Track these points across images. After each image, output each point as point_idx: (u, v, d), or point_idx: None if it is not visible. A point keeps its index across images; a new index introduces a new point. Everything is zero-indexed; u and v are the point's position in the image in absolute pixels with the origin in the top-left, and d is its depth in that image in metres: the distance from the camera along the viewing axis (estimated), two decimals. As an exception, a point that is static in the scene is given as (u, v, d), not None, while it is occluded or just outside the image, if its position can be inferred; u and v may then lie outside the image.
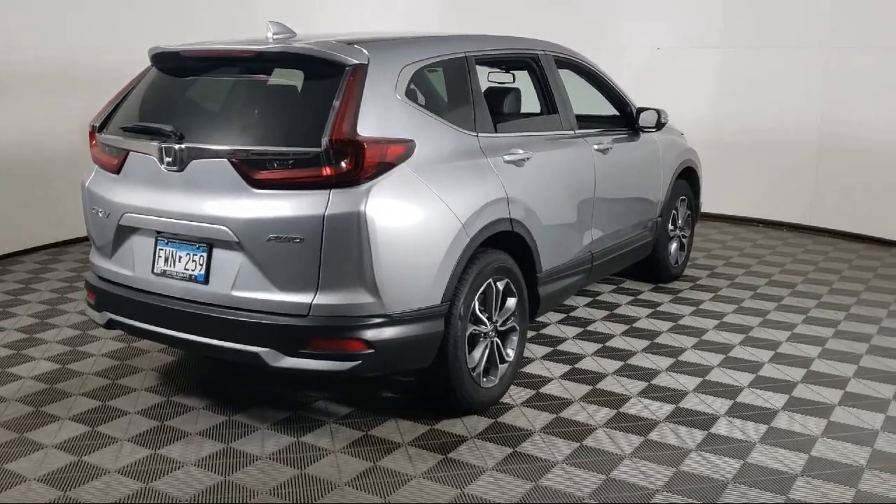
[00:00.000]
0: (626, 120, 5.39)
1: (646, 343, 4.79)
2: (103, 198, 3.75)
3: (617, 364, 4.46)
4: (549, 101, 4.61)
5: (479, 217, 3.64)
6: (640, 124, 5.30)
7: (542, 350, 4.66)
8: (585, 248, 4.69)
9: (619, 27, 8.64)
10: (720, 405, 3.95)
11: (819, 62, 7.56)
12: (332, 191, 3.20)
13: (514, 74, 5.45)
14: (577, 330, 5.00)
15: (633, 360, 4.52)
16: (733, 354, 4.62)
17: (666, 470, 3.34)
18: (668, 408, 3.92)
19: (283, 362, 3.29)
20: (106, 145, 3.79)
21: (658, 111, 5.28)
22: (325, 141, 3.17)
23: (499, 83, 5.09)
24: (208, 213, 3.37)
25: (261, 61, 3.57)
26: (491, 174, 3.81)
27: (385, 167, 3.30)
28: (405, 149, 3.39)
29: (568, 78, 5.15)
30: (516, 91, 4.53)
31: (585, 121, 5.39)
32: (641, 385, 4.18)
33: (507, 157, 3.95)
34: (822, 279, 6.22)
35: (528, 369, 4.38)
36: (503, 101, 4.39)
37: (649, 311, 5.40)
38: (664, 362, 4.49)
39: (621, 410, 3.89)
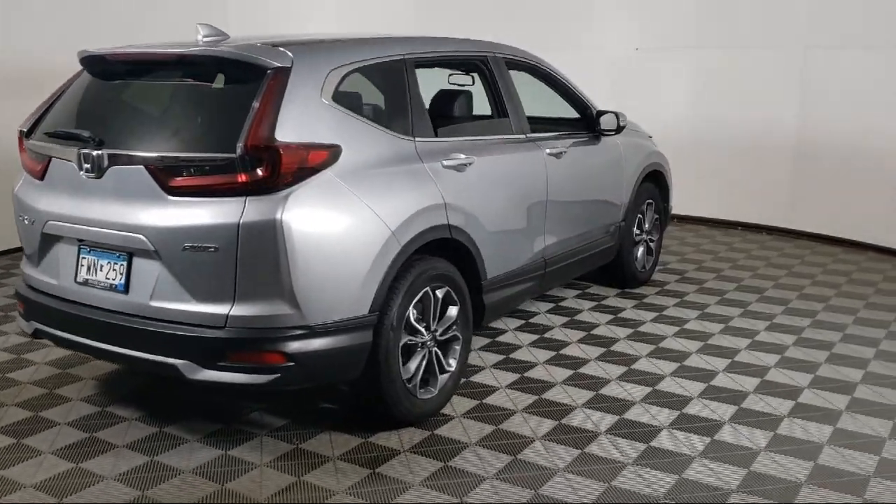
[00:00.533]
0: (586, 123, 5.28)
1: (601, 351, 4.68)
2: (29, 205, 3.67)
3: (567, 373, 4.36)
4: (499, 104, 4.51)
5: (411, 224, 3.54)
6: (601, 127, 5.19)
7: (493, 358, 4.56)
8: (537, 254, 4.59)
9: (598, 27, 8.53)
10: (665, 416, 3.85)
11: (795, 62, 7.43)
12: (248, 198, 3.10)
13: (473, 77, 5.37)
14: (533, 337, 4.89)
15: (584, 369, 4.41)
16: (688, 363, 4.51)
17: (598, 485, 3.23)
18: (610, 419, 3.82)
19: (201, 375, 3.20)
20: (32, 151, 3.71)
21: (616, 114, 5.17)
22: (240, 146, 3.08)
23: (458, 85, 5.01)
24: (126, 220, 3.28)
25: (183, 65, 3.48)
26: (427, 180, 3.71)
27: (306, 173, 3.21)
28: (329, 154, 3.29)
29: (529, 81, 5.08)
30: (466, 94, 4.44)
31: (546, 123, 5.31)
32: (588, 395, 4.08)
33: (446, 162, 3.86)
34: (794, 284, 6.10)
35: (475, 378, 4.28)
36: (450, 104, 4.30)
37: (610, 317, 5.29)
38: (616, 371, 4.39)
39: (563, 422, 3.79)
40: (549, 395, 4.09)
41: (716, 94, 8.01)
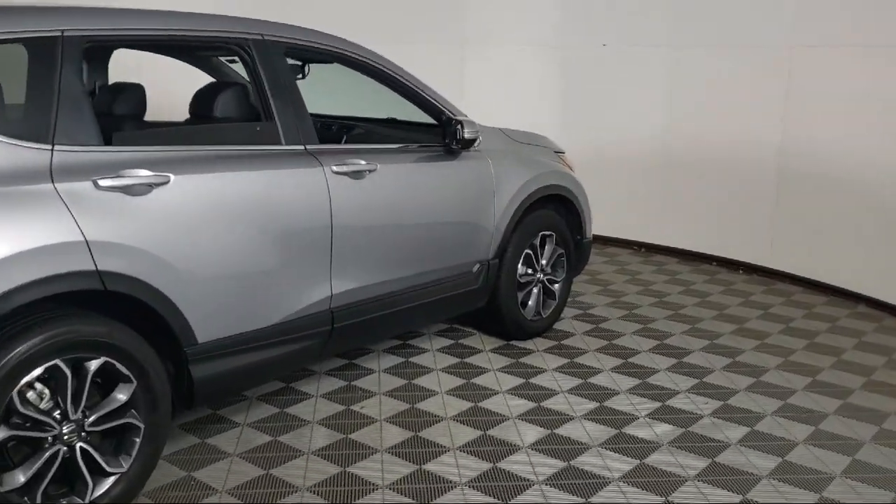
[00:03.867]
0: (444, 133, 4.10)
1: (405, 437, 3.50)
2: None
3: (320, 477, 3.21)
4: (265, 104, 3.38)
5: (4, 272, 2.46)
6: (449, 140, 4.01)
7: (199, 459, 3.44)
8: (317, 305, 3.45)
9: (547, 18, 7.26)
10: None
11: (781, 63, 6.02)
12: None
13: (308, 67, 4.28)
14: (334, 410, 3.75)
15: (365, 461, 3.25)
16: (504, 465, 3.29)
17: None
18: None
19: None
20: None
21: (462, 123, 3.97)
22: None
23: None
24: None
25: None
26: (53, 207, 2.62)
27: None
28: None
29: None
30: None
31: (389, 132, 4.20)
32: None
33: (106, 182, 2.75)
34: (729, 348, 4.75)
35: (162, 482, 3.17)
36: (118, 101, 3.27)
37: (459, 382, 4.11)
38: (395, 472, 3.21)
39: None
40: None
41: (688, 102, 6.64)
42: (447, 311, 4.42)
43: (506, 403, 3.88)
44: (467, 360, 4.44)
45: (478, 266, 4.31)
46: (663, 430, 3.65)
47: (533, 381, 4.17)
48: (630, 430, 3.64)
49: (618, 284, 6.01)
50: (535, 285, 4.75)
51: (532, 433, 3.58)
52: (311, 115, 4.93)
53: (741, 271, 6.48)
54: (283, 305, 3.31)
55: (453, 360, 4.42)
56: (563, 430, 3.62)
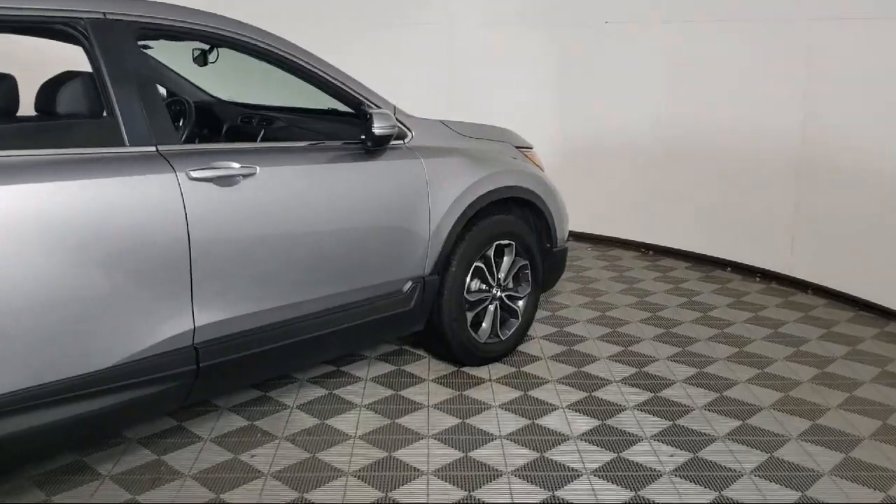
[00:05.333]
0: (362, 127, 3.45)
1: (291, 497, 2.88)
2: None
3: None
4: (106, 97, 2.77)
5: None
6: (370, 135, 3.35)
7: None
8: (172, 341, 2.84)
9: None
10: None
11: (800, 38, 5.19)
12: None
13: (217, 52, 3.69)
14: (213, 462, 3.14)
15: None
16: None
17: None
18: None
19: None
20: None
21: (372, 116, 3.31)
22: None
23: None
24: None
25: None
26: None
27: None
28: None
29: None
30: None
31: (301, 124, 3.58)
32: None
33: None
34: (719, 380, 4.00)
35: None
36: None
37: (380, 423, 3.48)
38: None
39: None
40: None
41: (698, 85, 5.84)
42: (371, 339, 3.80)
43: (427, 453, 3.22)
44: (403, 392, 3.80)
45: (410, 284, 3.65)
46: (613, 493, 2.95)
47: (471, 420, 3.51)
48: (575, 491, 2.95)
49: (610, 295, 5.27)
50: (491, 303, 4.07)
51: (451, 495, 2.92)
52: (240, 105, 4.38)
53: (758, 279, 5.68)
54: (122, 343, 2.71)
55: (385, 394, 3.78)
56: (482, 492, 2.95)
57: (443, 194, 3.70)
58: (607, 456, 3.21)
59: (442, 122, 3.89)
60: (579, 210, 6.68)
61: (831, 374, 4.04)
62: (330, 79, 3.38)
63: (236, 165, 2.96)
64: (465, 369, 4.06)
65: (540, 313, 4.83)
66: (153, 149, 2.81)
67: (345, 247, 3.34)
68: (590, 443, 3.32)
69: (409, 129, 3.64)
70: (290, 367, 3.67)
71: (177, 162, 2.81)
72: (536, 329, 4.59)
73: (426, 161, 3.63)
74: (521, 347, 4.33)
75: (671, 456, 3.22)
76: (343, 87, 3.42)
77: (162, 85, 4.51)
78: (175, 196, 2.78)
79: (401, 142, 3.60)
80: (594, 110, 6.42)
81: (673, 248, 6.26)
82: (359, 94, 3.46)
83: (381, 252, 3.49)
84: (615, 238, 6.62)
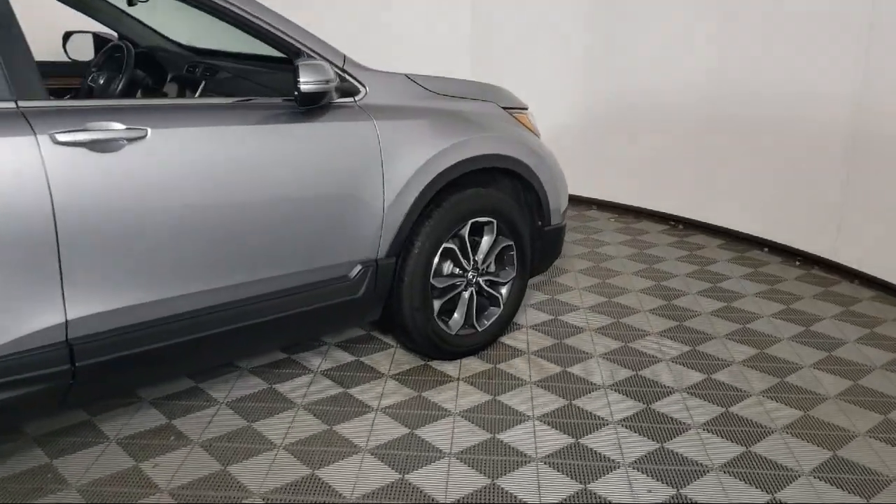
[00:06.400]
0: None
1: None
2: None
3: None
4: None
5: None
6: (300, 91, 2.79)
7: None
8: (38, 337, 2.37)
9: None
10: None
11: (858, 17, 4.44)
12: None
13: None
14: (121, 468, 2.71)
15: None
16: None
17: None
18: None
19: None
20: None
21: (299, 67, 2.75)
22: None
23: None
24: None
25: None
26: None
27: None
28: None
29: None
30: None
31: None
32: None
33: None
34: (732, 391, 3.41)
35: None
36: None
37: (317, 429, 2.99)
38: None
39: None
40: None
41: (741, 41, 5.11)
42: (309, 332, 3.29)
43: (357, 473, 2.71)
44: (353, 390, 3.30)
45: (359, 268, 3.12)
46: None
47: (421, 431, 3.00)
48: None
49: (622, 277, 4.66)
50: (466, 289, 3.51)
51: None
52: (198, 51, 3.86)
53: (798, 263, 4.99)
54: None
55: (331, 392, 3.29)
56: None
57: (402, 163, 3.13)
58: (572, 487, 2.66)
59: (408, 76, 3.30)
60: (605, 176, 6.05)
61: (865, 389, 3.38)
62: (257, 22, 2.81)
63: (119, 127, 2.44)
64: (434, 364, 3.54)
65: (537, 296, 4.27)
66: (12, 104, 2.30)
67: (266, 226, 2.81)
68: (553, 467, 2.77)
69: (361, 84, 3.08)
70: (202, 364, 3.18)
71: (40, 122, 2.31)
72: (528, 316, 4.03)
73: (381, 123, 3.06)
74: (505, 338, 3.78)
75: (648, 491, 2.65)
76: (275, 32, 2.85)
77: (113, 28, 4.03)
78: (35, 163, 2.29)
79: (350, 99, 3.04)
80: (629, 65, 5.73)
81: (706, 223, 5.59)
82: (296, 41, 2.89)
83: (317, 231, 2.96)
84: (643, 209, 5.98)
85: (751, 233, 5.31)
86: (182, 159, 2.57)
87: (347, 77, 3.02)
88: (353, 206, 3.02)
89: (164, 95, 3.85)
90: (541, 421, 3.07)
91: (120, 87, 3.60)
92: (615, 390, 3.32)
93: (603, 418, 3.10)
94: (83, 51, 4.16)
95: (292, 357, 3.55)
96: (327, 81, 2.77)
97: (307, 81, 2.72)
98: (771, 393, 3.32)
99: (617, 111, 5.87)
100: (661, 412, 3.15)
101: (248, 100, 2.88)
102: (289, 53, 2.93)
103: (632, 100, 5.75)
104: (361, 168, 3.02)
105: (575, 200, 6.23)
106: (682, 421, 3.08)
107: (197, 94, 3.59)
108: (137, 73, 3.88)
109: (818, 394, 3.32)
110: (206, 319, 2.72)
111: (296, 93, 2.76)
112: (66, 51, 4.09)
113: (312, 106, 2.83)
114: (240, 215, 2.73)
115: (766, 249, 5.22)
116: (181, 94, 3.83)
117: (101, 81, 3.72)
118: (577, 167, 6.07)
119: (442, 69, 3.99)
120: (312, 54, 2.92)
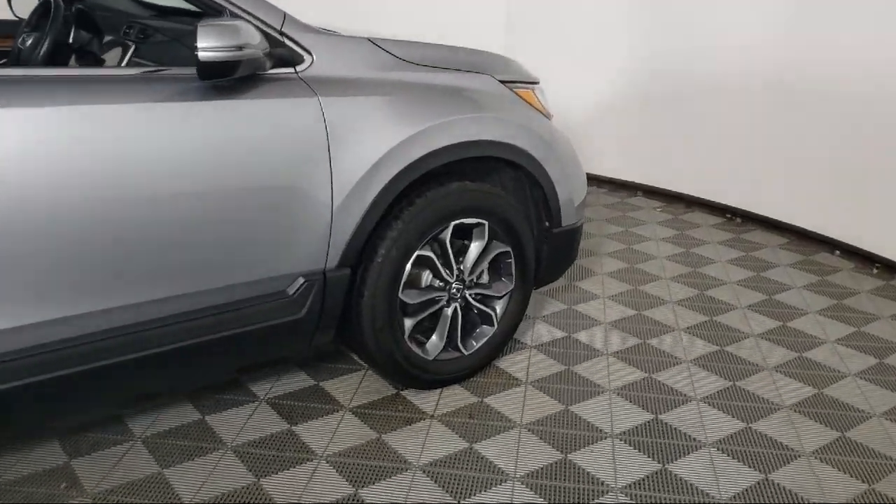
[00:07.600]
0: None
1: None
2: None
3: None
4: None
5: None
6: (198, 60, 2.15)
7: None
8: None
9: None
10: None
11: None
12: None
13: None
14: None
15: None
16: None
17: None
18: None
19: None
20: None
21: (198, 30, 2.11)
22: None
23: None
24: None
25: None
26: None
27: None
28: None
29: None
30: None
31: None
32: None
33: None
34: (771, 445, 2.69)
35: None
36: None
37: (236, 484, 2.39)
38: None
39: None
40: None
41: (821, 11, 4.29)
42: (238, 361, 2.67)
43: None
44: (298, 427, 2.70)
45: (301, 282, 2.49)
46: None
47: (368, 492, 2.36)
48: None
49: (659, 284, 3.94)
50: (449, 305, 2.86)
51: None
52: (153, 7, 3.29)
53: (875, 271, 4.18)
54: None
55: (273, 429, 2.70)
56: None
57: (357, 151, 2.48)
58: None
59: (371, 40, 2.63)
60: (654, 160, 5.30)
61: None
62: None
63: None
64: (407, 393, 2.90)
65: (551, 306, 3.61)
66: None
67: (163, 231, 2.20)
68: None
69: (305, 50, 2.43)
70: (94, 404, 2.60)
71: None
72: (535, 332, 3.37)
73: (328, 100, 2.41)
74: (502, 361, 3.12)
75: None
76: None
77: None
78: None
79: (289, 70, 2.39)
80: (685, 31, 4.93)
81: (767, 218, 4.80)
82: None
83: (236, 238, 2.33)
84: (696, 198, 5.20)
85: (819, 231, 4.50)
86: (49, 148, 1.96)
87: (287, 42, 2.37)
88: (286, 207, 2.38)
89: (103, 62, 3.26)
90: (523, 482, 2.42)
91: (42, 51, 3.02)
92: (624, 440, 2.64)
93: (603, 483, 2.43)
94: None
95: (241, 379, 2.96)
96: (240, 48, 2.12)
97: (208, 48, 2.08)
98: (823, 455, 2.59)
99: (670, 85, 5.09)
100: (681, 477, 2.46)
101: (155, 70, 2.25)
102: (209, 10, 2.29)
103: (689, 73, 4.95)
104: (299, 157, 2.38)
105: (617, 185, 5.50)
106: (704, 490, 2.39)
107: (125, 61, 2.99)
108: (82, 34, 3.31)
109: (893, 460, 2.58)
110: (87, 350, 2.13)
111: (202, 61, 2.11)
112: (11, 6, 3.54)
113: (220, 79, 2.19)
114: (126, 217, 2.12)
115: (837, 253, 4.42)
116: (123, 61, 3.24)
117: (28, 43, 3.16)
118: (622, 148, 5.33)
119: (471, 36, 3.29)
120: (238, 12, 2.27)
